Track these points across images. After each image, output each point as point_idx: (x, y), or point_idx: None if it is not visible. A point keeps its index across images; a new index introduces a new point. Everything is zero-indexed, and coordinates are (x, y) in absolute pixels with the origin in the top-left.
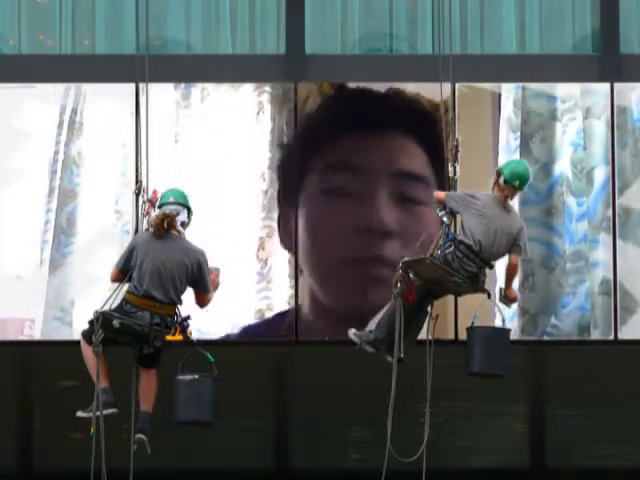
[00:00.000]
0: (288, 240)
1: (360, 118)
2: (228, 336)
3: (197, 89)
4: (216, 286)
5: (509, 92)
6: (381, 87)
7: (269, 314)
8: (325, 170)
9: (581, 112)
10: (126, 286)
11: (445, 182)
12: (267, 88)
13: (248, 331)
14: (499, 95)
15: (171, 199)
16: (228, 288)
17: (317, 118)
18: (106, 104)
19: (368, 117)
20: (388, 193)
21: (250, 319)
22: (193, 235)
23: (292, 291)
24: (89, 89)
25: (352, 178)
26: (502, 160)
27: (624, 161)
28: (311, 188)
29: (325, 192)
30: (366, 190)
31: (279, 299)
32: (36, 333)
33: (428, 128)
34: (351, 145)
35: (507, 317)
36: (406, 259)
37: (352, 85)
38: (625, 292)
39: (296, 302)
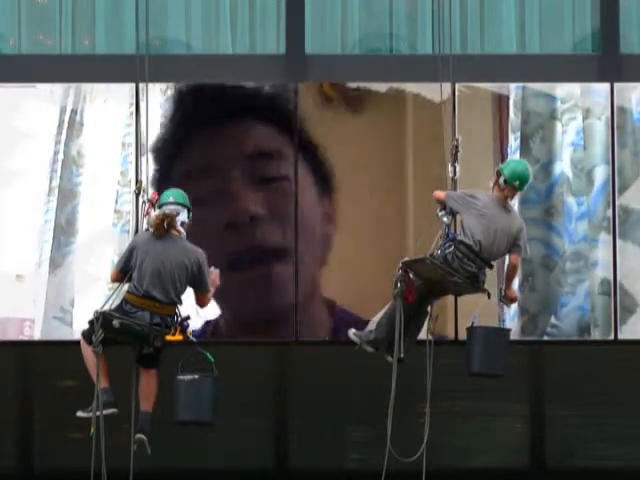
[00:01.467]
0: None
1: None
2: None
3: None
4: (216, 286)
5: (509, 92)
6: (381, 87)
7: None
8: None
9: (581, 112)
10: (126, 286)
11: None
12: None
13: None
14: (507, 97)
15: (171, 199)
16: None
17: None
18: (106, 104)
19: (208, 116)
20: (244, 178)
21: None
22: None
23: None
24: (89, 89)
25: (208, 178)
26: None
27: (624, 161)
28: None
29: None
30: (224, 183)
31: None
32: (36, 333)
33: (272, 111)
34: (199, 147)
35: (508, 317)
36: (406, 259)
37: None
38: (625, 292)
39: (296, 302)
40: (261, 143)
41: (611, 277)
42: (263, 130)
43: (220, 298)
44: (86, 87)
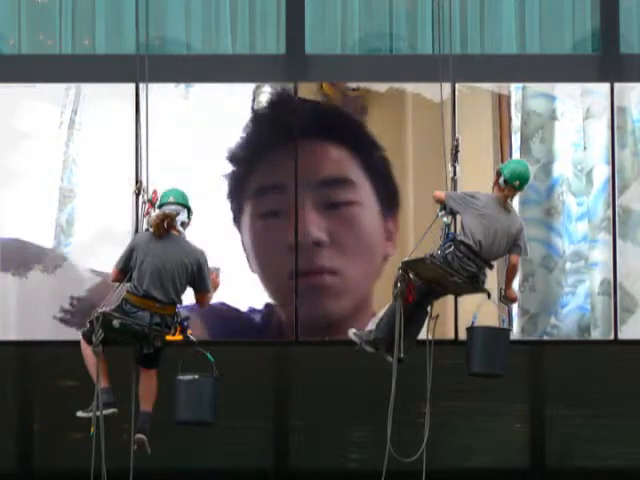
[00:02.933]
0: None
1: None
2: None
3: (197, 89)
4: (216, 286)
5: (509, 92)
6: (381, 87)
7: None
8: (257, 194)
9: (581, 112)
10: (126, 286)
11: (376, 178)
12: (267, 88)
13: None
14: (507, 97)
15: (171, 199)
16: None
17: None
18: (106, 104)
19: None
20: (312, 204)
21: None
22: (194, 235)
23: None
24: (89, 89)
25: (278, 197)
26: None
27: (624, 161)
28: (248, 211)
29: (260, 216)
30: (290, 206)
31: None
32: (37, 333)
33: (346, 131)
34: (271, 162)
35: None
36: (406, 259)
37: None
38: (625, 292)
39: (296, 302)
40: (333, 167)
41: (611, 277)
42: (335, 153)
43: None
44: (86, 87)
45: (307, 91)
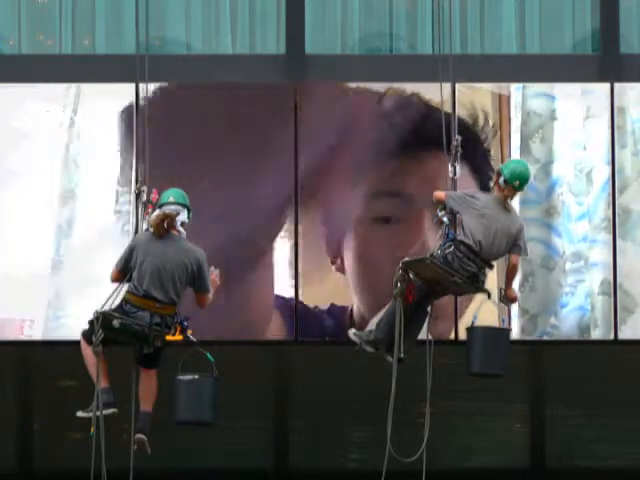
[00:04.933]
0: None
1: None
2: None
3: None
4: (216, 286)
5: (509, 92)
6: (381, 87)
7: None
8: (369, 198)
9: (581, 112)
10: (126, 286)
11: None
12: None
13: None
14: (507, 97)
15: (171, 199)
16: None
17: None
18: (106, 104)
19: (405, 141)
20: (430, 217)
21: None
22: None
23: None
24: (89, 89)
25: (396, 205)
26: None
27: (624, 161)
28: (357, 214)
29: (372, 220)
30: (409, 216)
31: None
32: (36, 333)
33: (468, 143)
34: (392, 169)
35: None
36: (406, 259)
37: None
38: (625, 292)
39: (296, 302)
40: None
41: (611, 277)
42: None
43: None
44: (86, 87)
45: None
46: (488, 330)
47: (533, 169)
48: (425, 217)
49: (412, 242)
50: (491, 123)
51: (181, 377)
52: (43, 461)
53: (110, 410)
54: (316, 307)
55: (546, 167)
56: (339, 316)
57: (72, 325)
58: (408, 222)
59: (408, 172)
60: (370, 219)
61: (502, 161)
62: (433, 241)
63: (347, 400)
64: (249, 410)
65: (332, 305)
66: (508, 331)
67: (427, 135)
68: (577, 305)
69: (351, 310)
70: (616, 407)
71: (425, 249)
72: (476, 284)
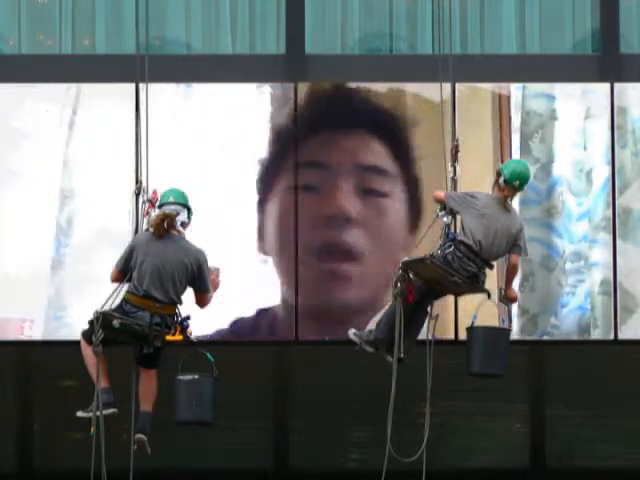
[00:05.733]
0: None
1: (330, 118)
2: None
3: (197, 89)
4: (216, 286)
5: (509, 92)
6: (381, 87)
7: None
8: (295, 168)
9: (581, 112)
10: (126, 286)
11: (409, 177)
12: (267, 88)
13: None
14: (507, 97)
15: (171, 199)
16: (229, 287)
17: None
18: (106, 104)
19: (336, 117)
20: (352, 186)
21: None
22: (194, 234)
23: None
24: (89, 89)
25: (319, 175)
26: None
27: (624, 161)
28: (282, 185)
29: (295, 188)
30: (331, 184)
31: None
32: (36, 333)
33: (391, 127)
34: (320, 144)
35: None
36: (406, 259)
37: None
38: (625, 292)
39: (296, 302)
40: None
41: (611, 277)
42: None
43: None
44: (86, 87)
45: (307, 91)
46: (488, 330)
47: (533, 169)
48: (343, 186)
49: (329, 208)
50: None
51: (181, 377)
52: (43, 461)
53: (110, 410)
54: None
55: (546, 167)
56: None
57: (72, 325)
58: (327, 190)
59: (332, 145)
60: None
61: (502, 161)
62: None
63: (347, 400)
64: (249, 410)
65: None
66: (508, 331)
67: (353, 115)
68: (577, 305)
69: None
70: (616, 407)
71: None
72: (476, 284)
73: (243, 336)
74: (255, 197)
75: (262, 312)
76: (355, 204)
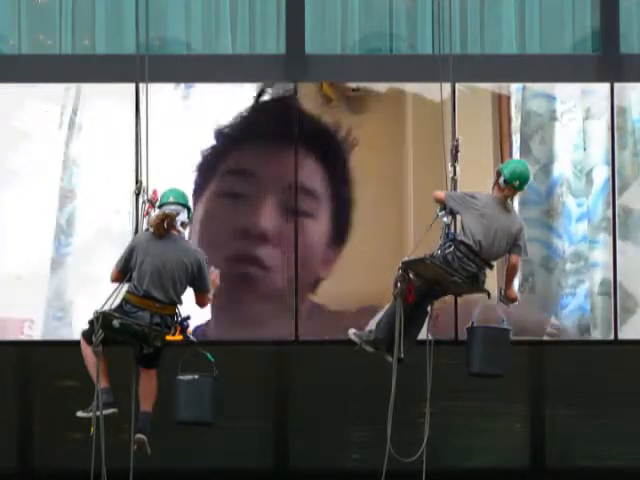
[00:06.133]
0: None
1: (264, 131)
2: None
3: (197, 89)
4: (216, 286)
5: (509, 92)
6: (381, 87)
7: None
8: (225, 175)
9: (581, 112)
10: (126, 286)
11: (342, 199)
12: (267, 88)
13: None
14: (507, 97)
15: (171, 199)
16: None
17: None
18: (106, 104)
19: (273, 131)
20: (274, 202)
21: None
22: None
23: None
24: (89, 89)
25: (244, 185)
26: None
27: (624, 161)
28: (210, 190)
29: (220, 194)
30: (254, 196)
31: None
32: (36, 333)
33: (328, 146)
34: (250, 154)
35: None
36: (406, 259)
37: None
38: (625, 292)
39: (296, 302)
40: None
41: (611, 277)
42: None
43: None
44: (86, 87)
45: (307, 91)
46: (488, 330)
47: (533, 169)
48: (269, 195)
49: (254, 215)
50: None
51: (181, 377)
52: (43, 461)
53: (110, 410)
54: None
55: (546, 167)
56: None
57: (72, 325)
58: (252, 199)
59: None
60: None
61: (502, 161)
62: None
63: (347, 400)
64: (249, 410)
65: None
66: (508, 331)
67: (283, 127)
68: (577, 305)
69: None
70: (616, 407)
71: None
72: (476, 284)
73: (243, 336)
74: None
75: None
76: (273, 220)
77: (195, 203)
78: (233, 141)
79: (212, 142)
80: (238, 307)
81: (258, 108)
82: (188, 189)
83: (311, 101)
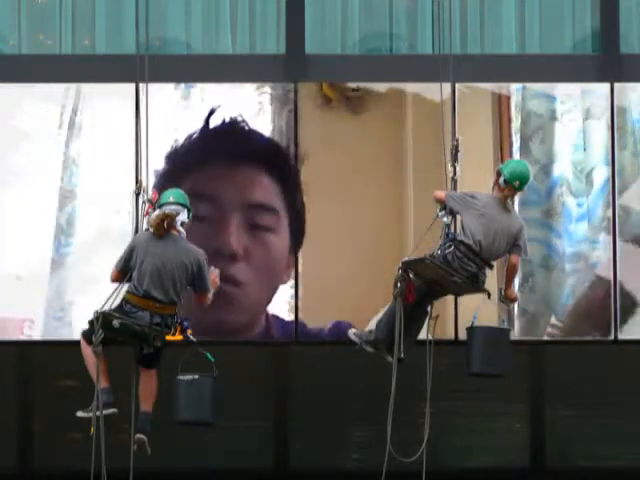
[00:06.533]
0: None
1: (218, 152)
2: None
3: (197, 89)
4: (216, 286)
5: (509, 92)
6: (381, 87)
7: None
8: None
9: (581, 113)
10: (126, 286)
11: (294, 211)
12: (267, 88)
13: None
14: (507, 97)
15: (171, 199)
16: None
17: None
18: (106, 104)
19: (225, 151)
20: (238, 221)
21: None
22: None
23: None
24: (89, 89)
25: (207, 207)
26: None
27: (624, 161)
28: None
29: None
30: (219, 218)
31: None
32: (36, 333)
33: (279, 161)
34: (208, 177)
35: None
36: (406, 259)
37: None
38: (625, 292)
39: (296, 302)
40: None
41: (611, 277)
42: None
43: None
44: (86, 87)
45: (307, 91)
46: (488, 330)
47: (533, 170)
48: (232, 218)
49: (217, 239)
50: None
51: (181, 377)
52: (43, 461)
53: (110, 410)
54: None
55: (546, 168)
56: None
57: (72, 325)
58: (215, 222)
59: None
60: None
61: (502, 161)
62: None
63: (347, 400)
64: (249, 410)
65: None
66: (508, 331)
67: (249, 150)
68: (577, 305)
69: None
70: (616, 407)
71: None
72: (476, 284)
73: (243, 336)
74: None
75: None
76: (241, 239)
77: None
78: (191, 164)
79: (169, 166)
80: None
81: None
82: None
83: (311, 101)
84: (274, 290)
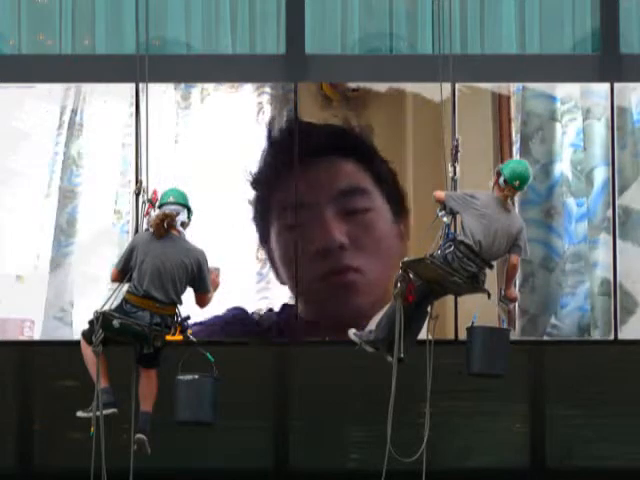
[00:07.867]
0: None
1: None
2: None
3: (197, 89)
4: (216, 286)
5: (509, 92)
6: (381, 87)
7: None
8: (283, 208)
9: (581, 113)
10: (126, 286)
11: (387, 189)
12: (267, 88)
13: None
14: (507, 97)
15: (171, 199)
16: (227, 288)
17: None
18: (106, 104)
19: (308, 148)
20: (333, 212)
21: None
22: (193, 235)
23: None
24: (89, 89)
25: (302, 210)
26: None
27: (624, 162)
28: (277, 223)
29: (287, 227)
30: (315, 216)
31: (279, 299)
32: (36, 333)
33: (360, 147)
34: (295, 177)
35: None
36: (406, 259)
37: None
38: (625, 292)
39: (296, 302)
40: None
41: (611, 277)
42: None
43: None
44: (86, 87)
45: (307, 91)
46: (488, 330)
47: (533, 169)
48: (326, 211)
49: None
50: None
51: (181, 377)
52: (43, 461)
53: (110, 410)
54: None
55: (546, 168)
56: None
57: (72, 325)
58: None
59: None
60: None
61: (502, 161)
62: None
63: (347, 400)
64: (249, 410)
65: None
66: (508, 331)
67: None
68: (577, 305)
69: None
70: (616, 407)
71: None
72: (476, 284)
73: (243, 336)
74: (255, 197)
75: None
76: (342, 229)
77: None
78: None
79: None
80: None
81: None
82: (194, 188)
83: (311, 101)
84: (392, 266)
